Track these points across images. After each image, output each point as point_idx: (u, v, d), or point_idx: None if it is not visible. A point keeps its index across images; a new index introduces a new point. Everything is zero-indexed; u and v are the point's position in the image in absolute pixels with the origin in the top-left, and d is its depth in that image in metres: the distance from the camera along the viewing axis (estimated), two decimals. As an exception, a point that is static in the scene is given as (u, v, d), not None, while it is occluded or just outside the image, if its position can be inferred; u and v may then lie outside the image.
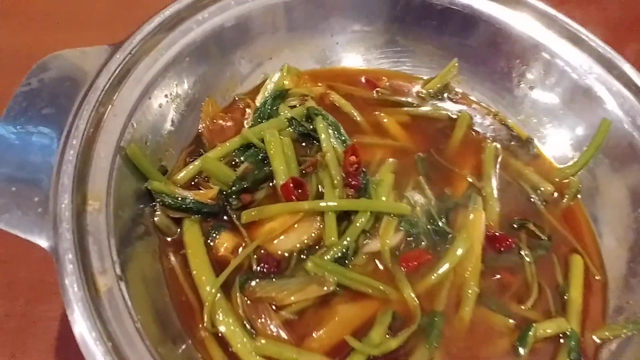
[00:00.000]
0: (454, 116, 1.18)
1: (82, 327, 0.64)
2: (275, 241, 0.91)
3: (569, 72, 1.13)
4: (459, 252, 0.93)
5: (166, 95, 0.98)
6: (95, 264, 0.71)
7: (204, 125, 1.05)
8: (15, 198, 0.72)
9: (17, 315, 0.97)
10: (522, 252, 0.98)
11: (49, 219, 0.71)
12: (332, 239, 0.89)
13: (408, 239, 0.95)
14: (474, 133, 1.17)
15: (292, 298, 0.84)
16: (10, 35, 1.37)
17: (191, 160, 0.99)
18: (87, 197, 0.76)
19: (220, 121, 1.05)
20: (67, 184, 0.74)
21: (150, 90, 0.94)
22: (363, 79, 1.23)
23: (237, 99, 1.12)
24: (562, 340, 0.90)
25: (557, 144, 1.16)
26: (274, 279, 0.86)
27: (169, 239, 0.91)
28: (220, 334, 0.81)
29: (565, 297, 0.95)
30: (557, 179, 1.11)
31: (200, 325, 0.82)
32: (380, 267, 0.92)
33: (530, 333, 0.88)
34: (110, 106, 0.86)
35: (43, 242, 0.70)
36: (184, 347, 0.80)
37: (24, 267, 1.01)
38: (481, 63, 1.21)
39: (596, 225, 1.07)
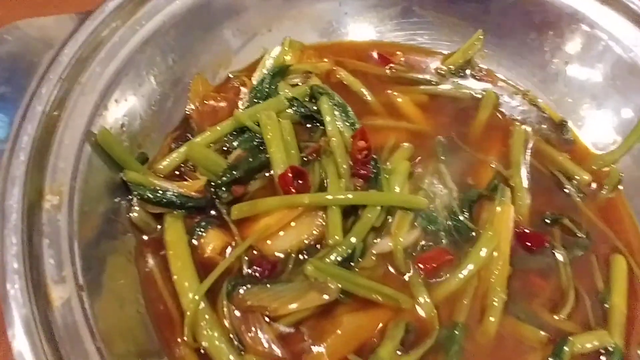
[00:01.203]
0: (478, 95, 1.09)
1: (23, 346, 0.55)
2: (270, 240, 0.82)
3: (611, 45, 1.02)
4: (484, 252, 0.84)
5: (147, 72, 0.90)
6: (50, 272, 0.63)
7: (192, 106, 0.96)
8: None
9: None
10: (556, 252, 0.89)
11: (-8, 220, 0.62)
12: (336, 237, 0.81)
13: (425, 237, 0.87)
14: (500, 115, 1.07)
15: (289, 307, 0.76)
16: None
17: (176, 146, 0.91)
18: (45, 192, 0.68)
19: (212, 102, 0.97)
20: (18, 176, 0.65)
21: (127, 66, 0.85)
22: (375, 54, 1.14)
23: (231, 76, 1.04)
24: (603, 358, 0.81)
25: (596, 127, 1.05)
26: (267, 285, 0.78)
27: (146, 238, 0.82)
28: (202, 351, 0.73)
29: (607, 306, 0.86)
30: (594, 168, 1.01)
31: (180, 340, 0.74)
32: (392, 270, 0.84)
33: (566, 348, 0.79)
34: (77, 84, 0.77)
35: (-17, 248, 0.61)
36: (159, 366, 0.72)
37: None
38: (509, 35, 1.12)
39: (640, 221, 0.97)
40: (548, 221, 0.93)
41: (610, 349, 0.80)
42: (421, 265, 0.84)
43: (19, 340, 0.54)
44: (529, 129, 1.04)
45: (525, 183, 0.96)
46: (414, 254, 0.85)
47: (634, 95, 1.00)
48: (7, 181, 0.64)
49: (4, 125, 0.68)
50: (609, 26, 1.02)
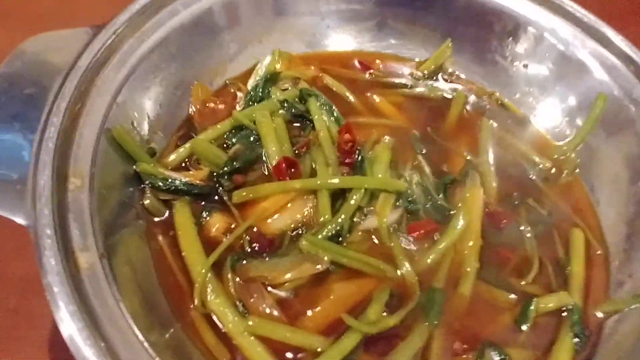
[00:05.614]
0: (449, 96, 1.17)
1: (59, 294, 0.63)
2: (268, 220, 0.89)
3: (561, 48, 1.12)
4: (458, 227, 0.92)
5: (153, 78, 0.97)
6: (76, 241, 0.69)
7: (194, 109, 1.04)
8: (-7, 175, 0.71)
9: (9, 311, 0.95)
10: (522, 228, 0.97)
11: (27, 196, 0.69)
12: (326, 216, 0.88)
13: (407, 215, 0.93)
14: (469, 112, 1.16)
15: (285, 277, 0.83)
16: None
17: (181, 143, 0.98)
18: (69, 175, 0.75)
19: (212, 104, 1.04)
20: (47, 161, 0.72)
21: (136, 71, 0.92)
22: (356, 62, 1.21)
23: (228, 83, 1.11)
24: (564, 314, 0.88)
25: (553, 120, 1.15)
26: (266, 258, 0.84)
27: (157, 220, 0.89)
28: (211, 315, 0.80)
29: (567, 271, 0.93)
30: (555, 156, 1.10)
31: (191, 306, 0.80)
32: (378, 244, 0.90)
33: (531, 307, 0.86)
34: (93, 87, 0.85)
35: (21, 220, 0.68)
36: (171, 331, 0.78)
37: (16, 263, 0.99)
38: (474, 43, 1.20)
39: (595, 200, 1.05)
40: (516, 202, 1.00)
41: (570, 307, 0.87)
42: (412, 233, 0.90)
43: (57, 292, 0.62)
44: (495, 124, 1.12)
45: (492, 169, 1.03)
46: (397, 230, 0.91)
47: (582, 90, 1.09)
48: (38, 164, 0.71)
49: (34, 120, 0.77)
50: (558, 31, 1.11)
